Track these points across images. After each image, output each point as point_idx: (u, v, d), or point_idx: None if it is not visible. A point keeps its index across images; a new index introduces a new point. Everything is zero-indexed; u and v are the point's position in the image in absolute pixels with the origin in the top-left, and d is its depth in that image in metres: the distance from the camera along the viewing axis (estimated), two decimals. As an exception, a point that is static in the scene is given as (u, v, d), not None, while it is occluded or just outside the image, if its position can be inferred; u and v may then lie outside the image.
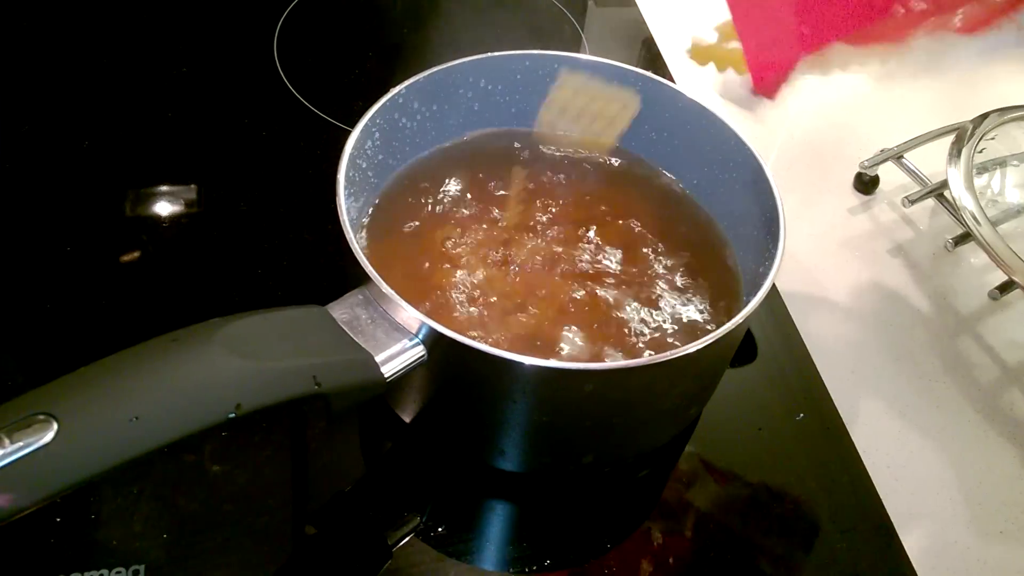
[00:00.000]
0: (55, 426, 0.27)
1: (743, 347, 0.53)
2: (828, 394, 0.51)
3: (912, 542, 0.45)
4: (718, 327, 0.38)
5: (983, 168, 0.60)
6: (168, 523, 0.42)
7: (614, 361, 0.36)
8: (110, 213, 0.56)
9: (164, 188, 0.58)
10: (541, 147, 0.51)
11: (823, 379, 0.51)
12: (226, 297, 0.52)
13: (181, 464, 0.43)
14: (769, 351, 0.53)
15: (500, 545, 0.43)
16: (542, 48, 0.53)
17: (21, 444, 0.27)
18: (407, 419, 0.44)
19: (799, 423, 0.49)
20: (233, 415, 0.30)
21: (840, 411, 0.50)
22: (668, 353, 0.36)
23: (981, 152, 0.59)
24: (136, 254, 0.54)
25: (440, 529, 0.43)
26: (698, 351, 0.37)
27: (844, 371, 0.52)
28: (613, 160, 0.53)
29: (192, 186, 0.58)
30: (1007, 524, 0.46)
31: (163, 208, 0.57)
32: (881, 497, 0.46)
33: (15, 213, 0.55)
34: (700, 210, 0.51)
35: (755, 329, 0.54)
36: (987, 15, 0.44)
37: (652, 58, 0.75)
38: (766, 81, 0.46)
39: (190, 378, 0.30)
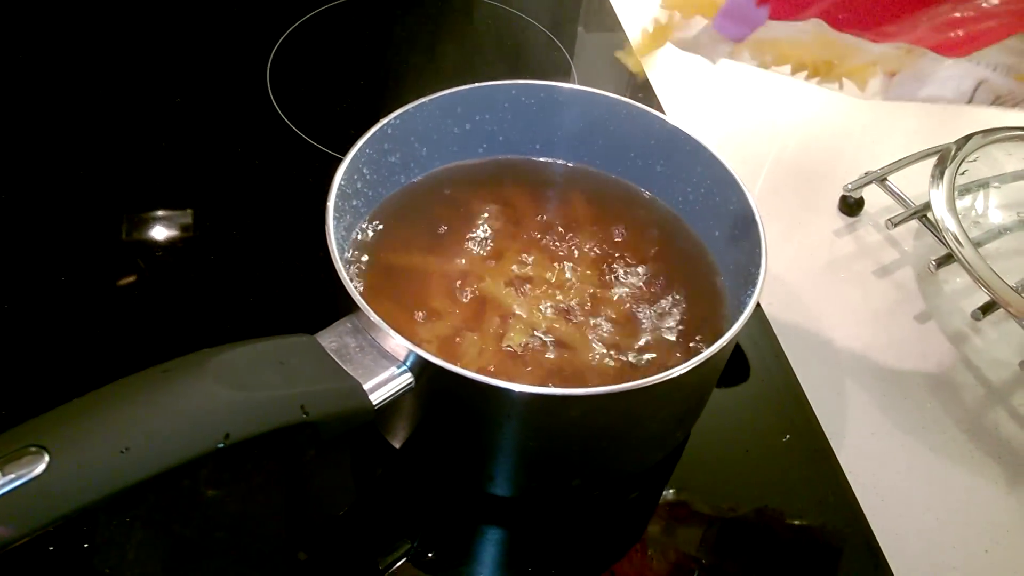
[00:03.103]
0: (46, 458, 0.28)
1: (736, 366, 0.53)
2: (814, 415, 0.51)
3: (899, 563, 0.45)
4: (703, 350, 0.39)
5: (966, 189, 0.61)
6: (161, 551, 0.42)
7: (599, 386, 0.37)
8: (103, 244, 0.56)
9: (157, 218, 0.59)
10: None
11: (809, 400, 0.52)
12: (218, 325, 0.53)
13: (173, 491, 0.44)
14: (756, 373, 0.53)
15: (491, 570, 0.44)
16: (531, 75, 0.54)
17: (13, 476, 0.27)
18: (397, 445, 0.45)
19: (786, 444, 0.50)
20: (222, 445, 0.31)
21: (826, 432, 0.50)
22: (652, 378, 0.37)
23: (963, 174, 0.60)
24: (130, 280, 0.54)
25: (431, 555, 0.43)
26: (682, 375, 0.38)
27: (830, 392, 0.53)
28: (604, 186, 0.54)
29: (185, 215, 0.59)
30: (993, 544, 0.47)
31: (156, 238, 0.57)
32: (867, 518, 0.47)
33: (7, 243, 0.56)
34: (688, 234, 0.52)
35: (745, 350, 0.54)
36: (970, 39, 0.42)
37: (640, 84, 0.76)
38: None
39: (179, 409, 0.31)
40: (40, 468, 0.28)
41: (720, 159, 0.48)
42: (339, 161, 0.45)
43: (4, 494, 0.27)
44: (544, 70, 0.76)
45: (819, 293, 0.59)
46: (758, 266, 0.43)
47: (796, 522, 0.46)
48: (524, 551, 0.45)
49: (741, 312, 0.41)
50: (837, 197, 0.66)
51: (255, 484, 0.44)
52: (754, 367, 0.54)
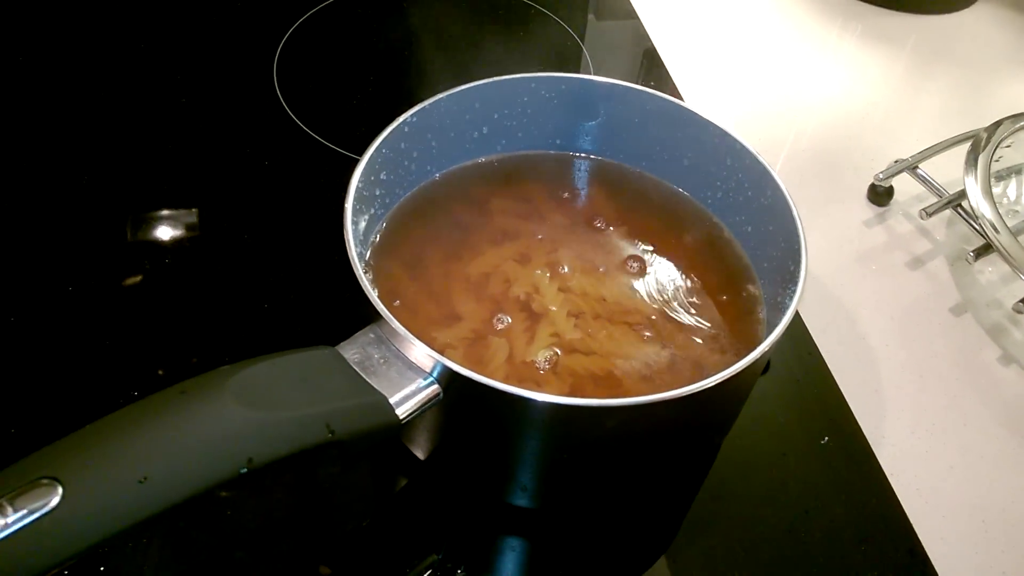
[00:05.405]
0: (60, 490, 0.26)
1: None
2: (852, 415, 0.49)
3: (945, 567, 0.43)
4: (740, 356, 0.37)
5: (999, 176, 0.59)
6: (180, 573, 0.41)
7: (636, 396, 0.35)
8: (110, 254, 0.55)
9: (165, 223, 0.57)
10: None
11: (846, 400, 0.50)
12: (234, 334, 0.51)
13: (191, 515, 0.42)
14: (789, 372, 0.51)
15: (521, 584, 0.42)
16: (543, 65, 0.52)
17: (25, 511, 0.26)
18: (422, 456, 0.43)
19: (824, 447, 0.48)
20: (245, 470, 0.29)
21: (865, 432, 0.48)
22: (690, 387, 0.35)
23: (997, 160, 0.58)
24: (140, 289, 0.53)
25: (460, 571, 0.42)
26: (720, 383, 0.36)
27: (867, 390, 0.51)
28: (628, 181, 0.52)
29: (195, 220, 0.57)
30: (1042, 546, 0.45)
31: (166, 244, 0.56)
32: (912, 522, 0.45)
33: (11, 248, 0.54)
34: (720, 230, 0.50)
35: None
36: None
37: (656, 70, 0.74)
38: None
39: (199, 433, 0.29)
40: (54, 501, 0.26)
41: (752, 150, 0.46)
42: (353, 161, 0.43)
43: (17, 531, 0.25)
44: (556, 59, 0.74)
45: (851, 286, 0.57)
46: (797, 264, 0.41)
47: (838, 527, 0.45)
48: (553, 563, 0.43)
49: (779, 312, 0.39)
50: (862, 184, 0.64)
51: (275, 501, 0.43)
52: (787, 367, 0.52)
